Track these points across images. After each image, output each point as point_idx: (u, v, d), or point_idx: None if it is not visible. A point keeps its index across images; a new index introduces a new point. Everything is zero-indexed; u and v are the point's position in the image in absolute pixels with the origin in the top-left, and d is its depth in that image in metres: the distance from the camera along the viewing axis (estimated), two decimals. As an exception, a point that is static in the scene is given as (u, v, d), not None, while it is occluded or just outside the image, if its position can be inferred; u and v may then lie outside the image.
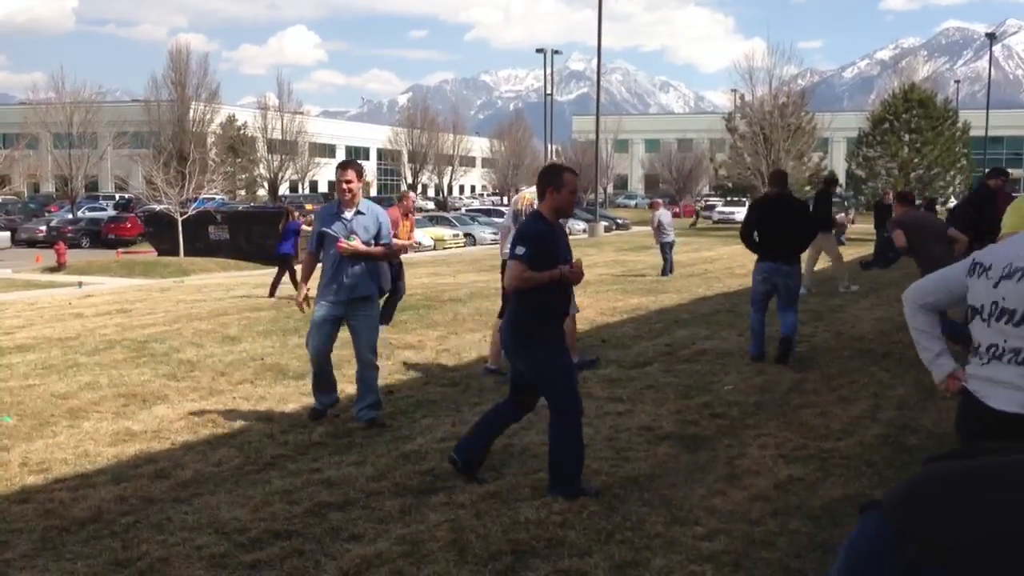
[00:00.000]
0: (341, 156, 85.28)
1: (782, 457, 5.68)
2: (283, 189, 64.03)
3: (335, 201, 6.68)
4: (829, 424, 6.51)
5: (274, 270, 16.54)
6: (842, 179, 52.69)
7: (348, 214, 6.57)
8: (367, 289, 6.57)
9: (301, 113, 66.97)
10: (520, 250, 4.87)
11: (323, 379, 6.69)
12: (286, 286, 15.50)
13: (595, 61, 43.47)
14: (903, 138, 45.38)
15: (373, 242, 6.55)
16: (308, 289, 6.83)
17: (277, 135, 62.34)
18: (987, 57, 60.52)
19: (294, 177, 65.64)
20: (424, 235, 32.94)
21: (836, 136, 66.98)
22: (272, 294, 15.54)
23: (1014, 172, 61.35)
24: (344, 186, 6.51)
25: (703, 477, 5.28)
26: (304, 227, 16.15)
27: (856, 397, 7.40)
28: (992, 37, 62.92)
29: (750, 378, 8.16)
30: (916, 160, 44.85)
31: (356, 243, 6.42)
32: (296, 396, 7.51)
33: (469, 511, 4.72)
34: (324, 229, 6.58)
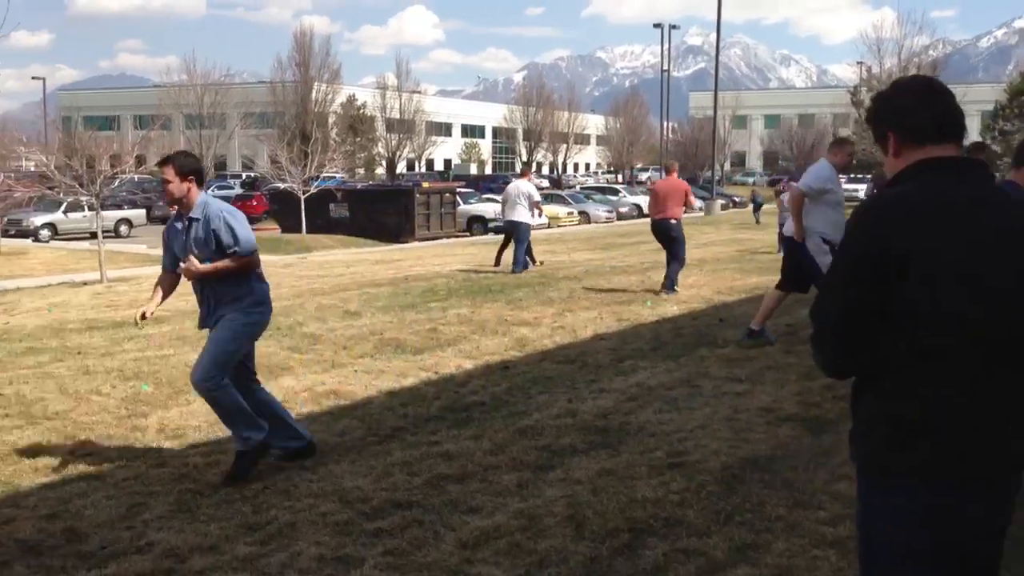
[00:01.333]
0: (457, 135, 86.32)
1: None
2: (400, 167, 65.14)
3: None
4: None
5: (387, 245, 16.92)
6: (976, 154, 50.25)
7: (180, 225, 5.20)
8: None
9: (418, 92, 67.93)
10: None
11: (245, 413, 5.08)
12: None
13: (713, 35, 42.57)
14: (1045, 110, 42.97)
15: (214, 258, 5.01)
16: (151, 311, 5.46)
17: (395, 114, 63.40)
18: None
19: (411, 155, 66.67)
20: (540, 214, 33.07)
21: (970, 109, 63.53)
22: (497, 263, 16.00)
23: None
24: (166, 188, 5.10)
25: (826, 461, 5.14)
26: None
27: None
28: None
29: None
30: None
31: (193, 263, 5.02)
32: (415, 370, 7.65)
33: (586, 487, 4.73)
34: (172, 246, 5.28)
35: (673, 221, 12.33)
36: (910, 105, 2.22)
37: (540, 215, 17.03)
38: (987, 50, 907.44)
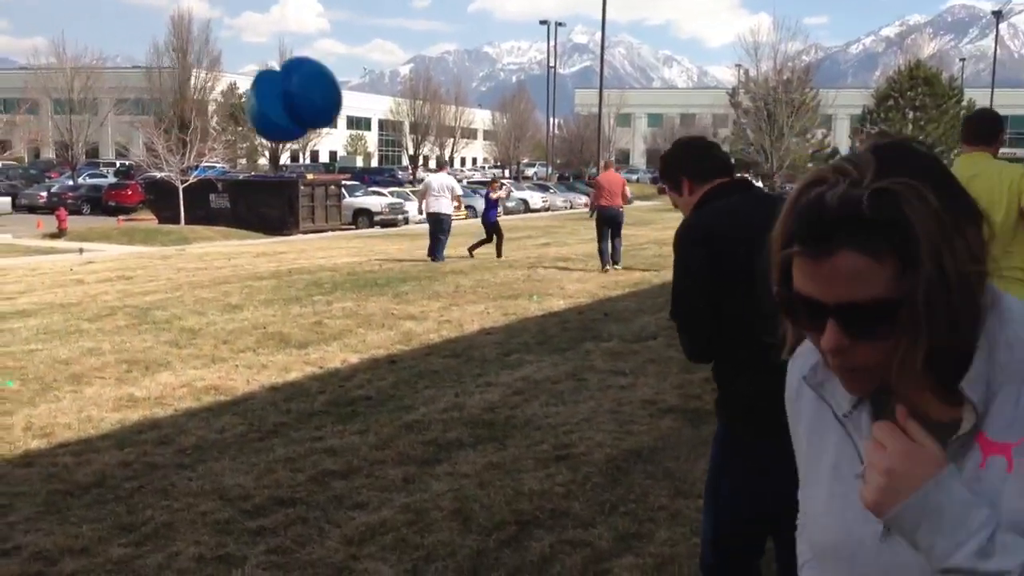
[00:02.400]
0: (343, 126, 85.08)
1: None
2: (284, 158, 63.84)
3: None
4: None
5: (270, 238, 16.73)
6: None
7: None
8: None
9: (303, 82, 66.58)
10: None
11: None
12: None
13: (599, 34, 43.20)
14: (907, 116, 45.33)
15: None
16: None
17: (278, 104, 61.97)
18: (993, 35, 60.13)
19: (295, 146, 65.41)
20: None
21: (840, 113, 66.65)
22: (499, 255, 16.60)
23: (1017, 152, 61.15)
24: None
25: (706, 450, 5.25)
26: (491, 195, 17.58)
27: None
28: (999, 15, 62.56)
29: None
30: (920, 138, 44.72)
31: None
32: (299, 365, 7.52)
33: (473, 481, 4.73)
34: None
35: (621, 209, 14.86)
36: (699, 155, 2.87)
37: (460, 207, 18.05)
38: (856, 56, 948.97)
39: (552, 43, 58.54)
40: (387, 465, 4.99)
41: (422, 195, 16.45)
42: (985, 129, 4.61)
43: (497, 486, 4.65)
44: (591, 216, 17.96)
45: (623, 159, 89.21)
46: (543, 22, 59.31)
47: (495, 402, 6.33)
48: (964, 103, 47.39)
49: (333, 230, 28.19)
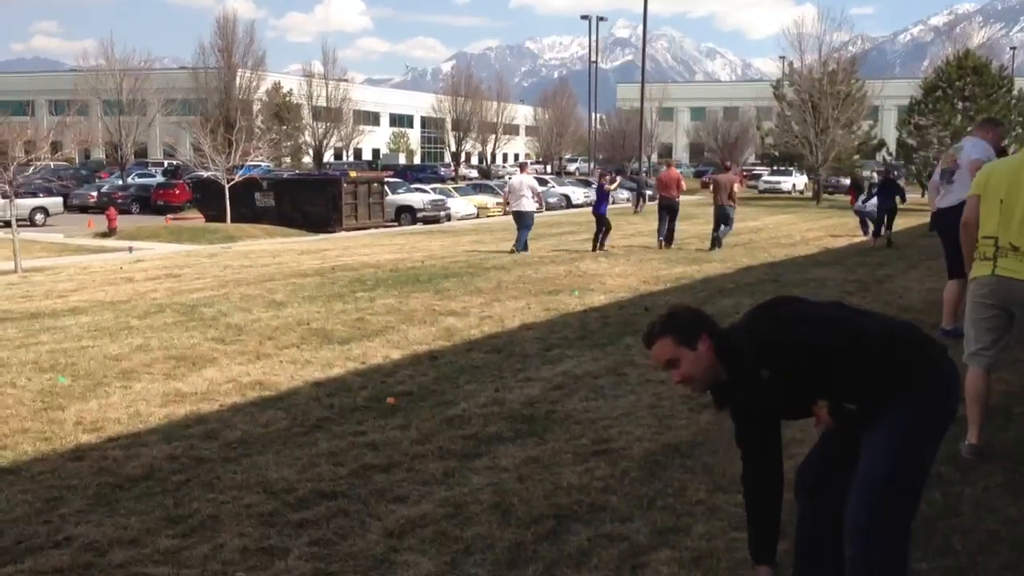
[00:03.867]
0: (385, 124, 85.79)
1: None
2: (328, 156, 64.40)
3: None
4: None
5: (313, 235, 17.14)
6: (892, 148, 51.71)
7: None
8: None
9: (345, 80, 67.17)
10: None
11: None
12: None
13: (640, 28, 42.97)
14: (956, 106, 44.39)
15: None
16: None
17: (322, 102, 62.59)
18: (1046, 22, 58.79)
19: (338, 144, 65.97)
20: (467, 203, 33.04)
21: (887, 104, 65.64)
22: (594, 248, 17.39)
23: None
24: None
25: (746, 446, 5.26)
26: (605, 187, 18.70)
27: (903, 368, 7.29)
28: (1052, 2, 61.10)
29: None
30: (969, 129, 43.79)
31: None
32: (341, 361, 7.61)
33: (512, 475, 4.77)
34: None
35: (676, 199, 18.40)
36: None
37: (541, 205, 18.97)
38: (904, 46, 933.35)
39: (594, 38, 58.36)
40: (427, 459, 5.05)
41: (506, 195, 18.10)
42: None
43: (536, 480, 4.68)
44: (636, 211, 19.12)
45: (666, 153, 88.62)
46: (584, 17, 59.16)
47: (535, 397, 6.36)
48: (1015, 92, 46.36)
49: (376, 227, 28.43)
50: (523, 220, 17.29)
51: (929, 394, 2.93)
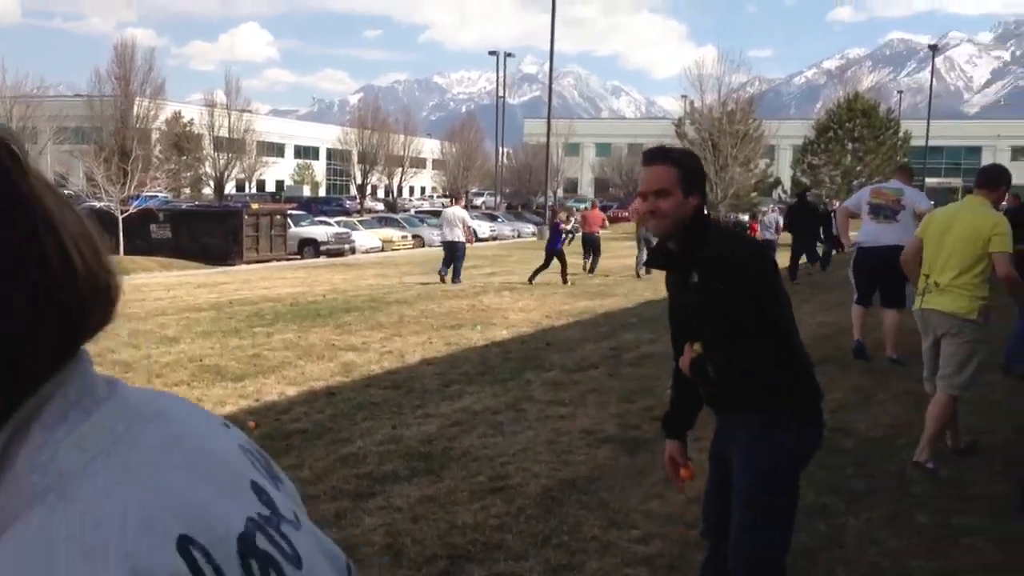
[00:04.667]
0: (290, 155, 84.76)
1: (720, 460, 5.71)
2: (229, 188, 63.18)
3: None
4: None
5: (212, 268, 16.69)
6: (788, 186, 53.48)
7: None
8: None
9: (249, 111, 66.14)
10: None
11: None
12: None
13: (548, 65, 43.62)
14: (847, 146, 46.27)
15: None
16: None
17: (224, 132, 61.48)
18: (929, 68, 61.84)
19: (240, 176, 64.80)
20: (372, 236, 32.79)
21: (783, 143, 67.86)
22: (531, 280, 17.74)
23: (952, 181, 62.75)
24: None
25: (642, 480, 5.29)
26: (561, 225, 19.21)
27: (795, 401, 7.46)
28: (935, 49, 64.35)
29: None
30: (859, 168, 45.69)
31: None
32: (234, 398, 7.39)
33: (406, 515, 4.67)
34: None
35: (597, 234, 20.63)
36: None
37: (471, 237, 19.77)
38: (799, 88, 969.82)
39: (502, 73, 58.94)
40: (320, 500, 4.91)
41: (442, 224, 18.73)
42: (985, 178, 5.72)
43: (430, 519, 4.60)
44: (567, 242, 19.83)
45: (571, 188, 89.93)
46: (492, 52, 59.67)
47: (433, 434, 6.28)
48: (900, 134, 48.59)
49: (278, 260, 27.93)
50: (456, 251, 17.76)
51: (810, 428, 2.97)
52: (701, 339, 2.90)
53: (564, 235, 19.19)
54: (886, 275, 8.58)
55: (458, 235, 17.78)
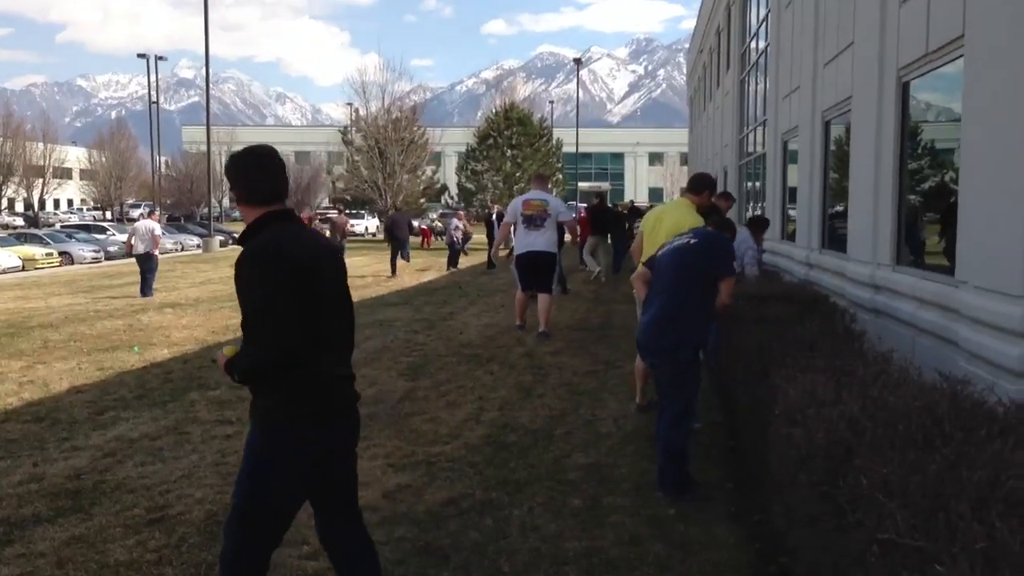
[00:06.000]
0: (-96, 166, 74.34)
1: (391, 466, 5.77)
2: None
3: None
4: (437, 429, 6.74)
5: None
6: (454, 191, 55.35)
7: None
8: None
9: None
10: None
11: None
12: None
13: (204, 69, 41.79)
14: (506, 153, 48.70)
15: None
16: None
17: None
18: (576, 81, 66.68)
19: None
20: (10, 254, 29.66)
21: (448, 150, 70.18)
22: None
23: (602, 185, 68.16)
24: None
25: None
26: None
27: (463, 401, 7.73)
28: (579, 62, 69.47)
29: (363, 390, 8.22)
30: (518, 174, 48.30)
31: None
32: None
33: (49, 560, 4.25)
34: None
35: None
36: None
37: (157, 247, 18.80)
38: (460, 96, 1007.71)
39: (154, 77, 55.65)
40: (-58, 557, 4.33)
41: (129, 237, 18.35)
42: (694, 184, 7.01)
43: (79, 562, 4.22)
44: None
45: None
46: (142, 55, 56.15)
47: (82, 468, 5.77)
48: (554, 141, 52.02)
49: None
50: (149, 264, 17.91)
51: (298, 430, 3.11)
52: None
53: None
54: (539, 271, 11.18)
55: (150, 248, 17.93)
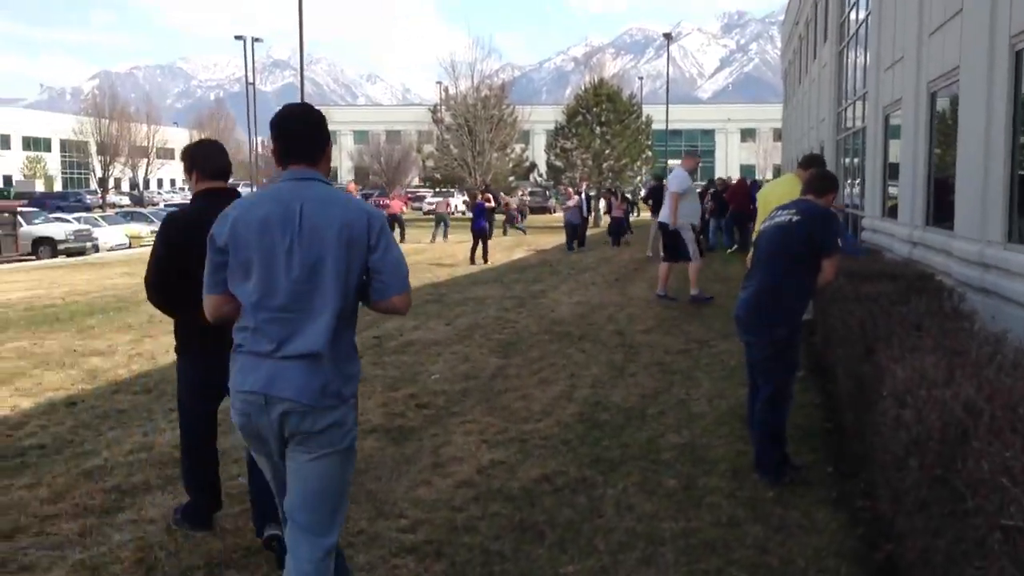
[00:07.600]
0: (17, 147, 77.94)
1: (485, 442, 5.80)
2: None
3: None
4: (530, 406, 6.75)
5: None
6: (543, 169, 55.24)
7: None
8: None
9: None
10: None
11: None
12: None
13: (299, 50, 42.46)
14: (595, 131, 48.29)
15: None
16: None
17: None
18: (665, 56, 65.67)
19: (-39, 171, 58.83)
20: (118, 232, 30.81)
21: (536, 128, 70.00)
22: (472, 261, 19.65)
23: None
24: None
25: (409, 468, 5.28)
26: (487, 205, 21.40)
27: (555, 379, 7.73)
28: (669, 37, 68.37)
29: (456, 366, 8.29)
30: (607, 151, 47.87)
31: None
32: (-42, 416, 6.68)
33: (159, 526, 4.41)
34: None
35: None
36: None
37: None
38: (549, 74, 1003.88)
39: (250, 59, 56.85)
40: (61, 519, 4.53)
41: None
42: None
43: (186, 529, 4.36)
44: None
45: (332, 176, 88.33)
46: (239, 37, 57.39)
47: (188, 438, 5.95)
48: (643, 118, 51.35)
49: (9, 262, 25.60)
50: None
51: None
52: None
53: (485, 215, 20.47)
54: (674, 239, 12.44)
55: None
